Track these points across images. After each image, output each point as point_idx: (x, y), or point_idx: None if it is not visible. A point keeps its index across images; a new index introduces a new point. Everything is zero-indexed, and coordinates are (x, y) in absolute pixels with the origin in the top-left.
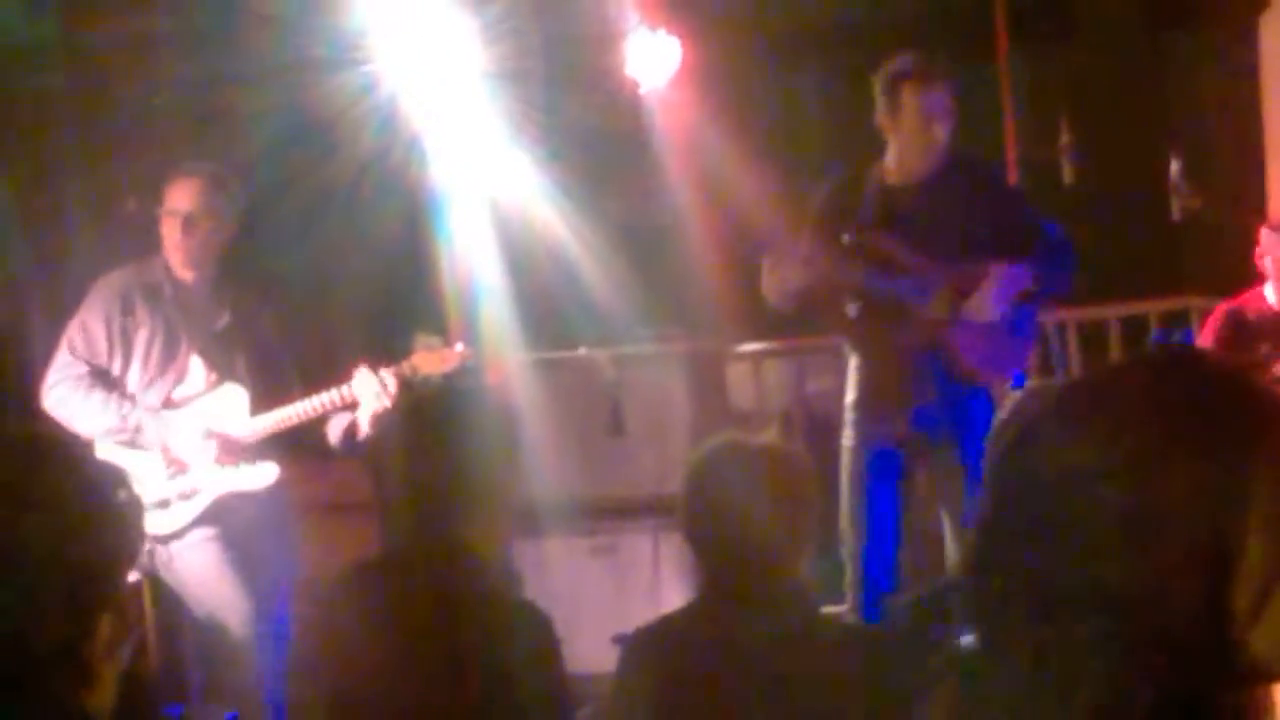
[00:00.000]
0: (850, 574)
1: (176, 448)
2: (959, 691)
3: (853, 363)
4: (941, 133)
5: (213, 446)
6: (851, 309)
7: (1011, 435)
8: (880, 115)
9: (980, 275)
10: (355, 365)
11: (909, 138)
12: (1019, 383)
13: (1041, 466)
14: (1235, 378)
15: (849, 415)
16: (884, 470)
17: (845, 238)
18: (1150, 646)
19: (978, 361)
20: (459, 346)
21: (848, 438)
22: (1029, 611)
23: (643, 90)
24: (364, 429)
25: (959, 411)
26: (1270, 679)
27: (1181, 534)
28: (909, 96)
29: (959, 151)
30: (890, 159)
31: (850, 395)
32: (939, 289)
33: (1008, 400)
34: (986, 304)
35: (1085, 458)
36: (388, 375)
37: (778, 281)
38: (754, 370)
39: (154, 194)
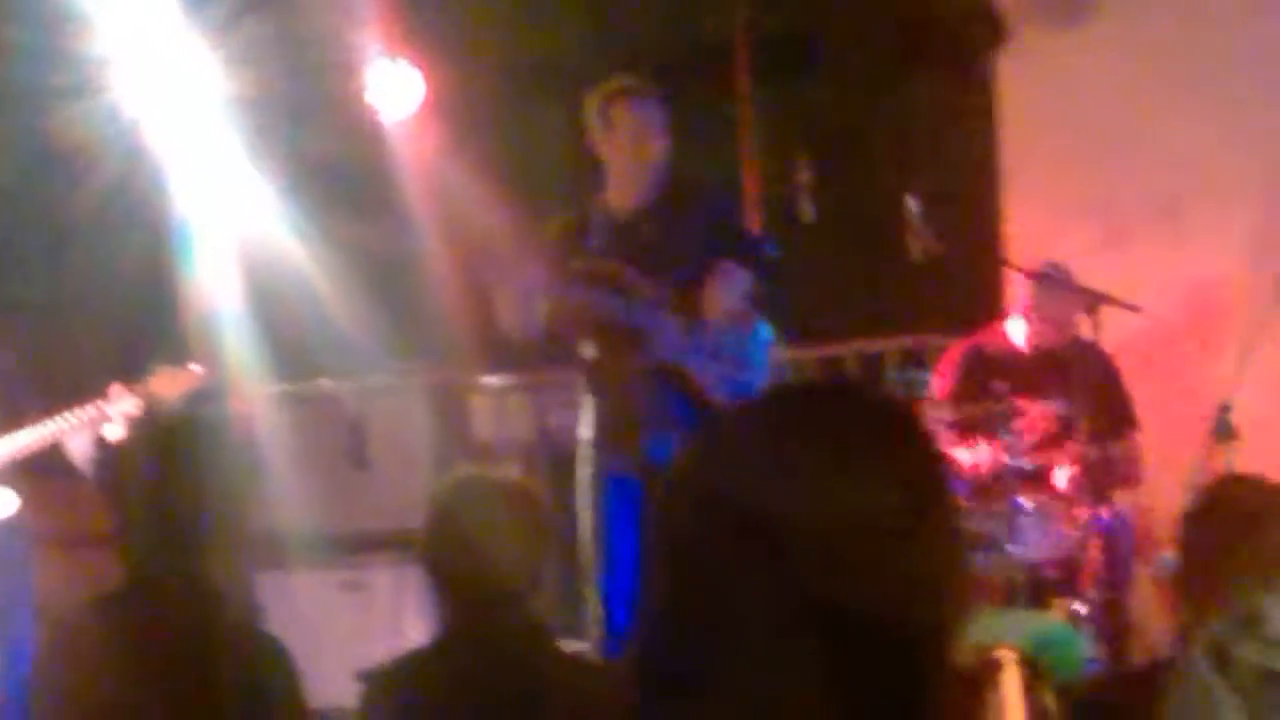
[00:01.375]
0: (592, 609)
1: None
2: None
3: (589, 396)
4: (656, 150)
5: None
6: (588, 349)
7: (680, 465)
8: (595, 137)
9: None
10: (107, 386)
11: (624, 157)
12: None
13: (708, 496)
14: (892, 410)
15: (587, 449)
16: (623, 501)
17: (576, 266)
18: (851, 661)
19: (713, 387)
20: (194, 367)
21: (586, 470)
22: (718, 642)
23: (385, 119)
24: (99, 449)
25: None
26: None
27: (873, 550)
28: (621, 114)
29: (678, 175)
30: (610, 184)
31: (587, 428)
32: (670, 312)
33: None
34: (715, 300)
35: (753, 484)
36: (133, 397)
37: (517, 312)
38: (496, 403)
39: None
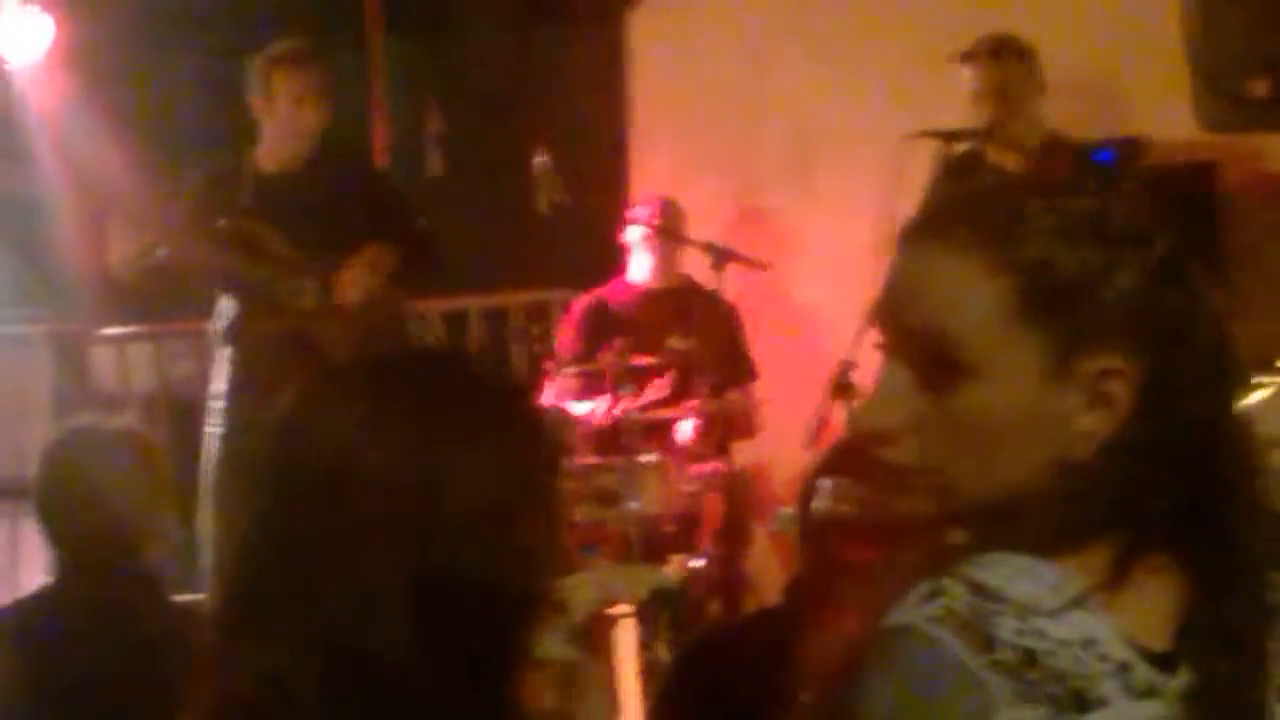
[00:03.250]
0: (212, 561)
1: None
2: None
3: (222, 352)
4: (314, 117)
5: None
6: (226, 306)
7: (275, 425)
8: (254, 99)
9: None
10: None
11: (282, 122)
12: None
13: (305, 453)
14: (496, 382)
15: (216, 404)
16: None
17: (220, 223)
18: (440, 622)
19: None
20: None
21: (215, 425)
22: (302, 597)
23: (12, 66)
24: None
25: None
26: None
27: (455, 509)
28: (282, 80)
29: (331, 140)
30: (264, 145)
31: (218, 384)
32: (310, 278)
33: None
34: (353, 284)
35: (345, 448)
36: None
37: (135, 254)
38: (118, 353)
39: None
